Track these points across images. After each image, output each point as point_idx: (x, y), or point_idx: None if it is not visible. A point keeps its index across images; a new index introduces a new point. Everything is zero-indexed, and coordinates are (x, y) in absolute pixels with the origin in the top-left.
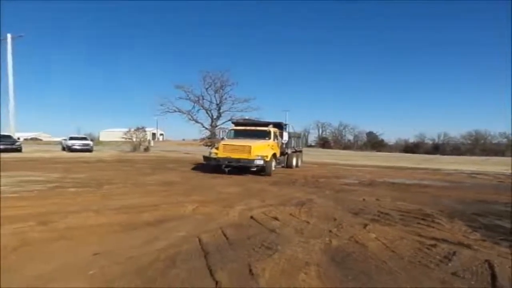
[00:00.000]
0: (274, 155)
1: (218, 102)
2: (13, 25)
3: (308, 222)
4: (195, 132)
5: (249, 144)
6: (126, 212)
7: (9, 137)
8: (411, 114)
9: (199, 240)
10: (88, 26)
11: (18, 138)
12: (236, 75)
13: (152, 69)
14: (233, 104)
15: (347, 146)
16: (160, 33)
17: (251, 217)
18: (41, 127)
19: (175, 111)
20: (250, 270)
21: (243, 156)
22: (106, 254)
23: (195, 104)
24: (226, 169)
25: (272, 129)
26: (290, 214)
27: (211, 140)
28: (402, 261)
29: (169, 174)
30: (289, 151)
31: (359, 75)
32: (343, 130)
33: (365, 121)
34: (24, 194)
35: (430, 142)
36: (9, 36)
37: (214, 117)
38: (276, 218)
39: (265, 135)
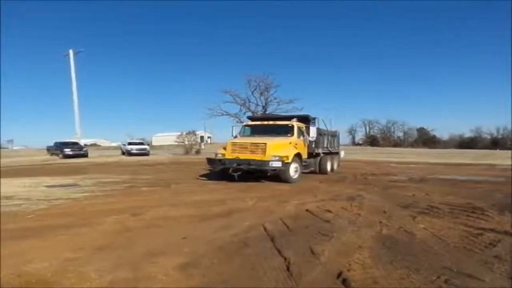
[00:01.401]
0: (297, 155)
1: (263, 104)
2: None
3: (359, 214)
4: None
5: (264, 142)
6: (198, 206)
7: (76, 144)
8: (465, 107)
9: (264, 228)
10: (139, 34)
11: (85, 145)
12: (280, 77)
13: (201, 75)
14: (278, 105)
15: (396, 144)
16: (207, 41)
17: (306, 210)
18: (99, 134)
19: (222, 114)
20: (312, 251)
21: (256, 156)
22: (191, 238)
23: (242, 107)
24: (235, 174)
25: (295, 124)
26: (342, 208)
27: None
28: (448, 246)
29: None
30: (320, 151)
31: (407, 68)
32: (392, 127)
33: (415, 117)
34: (109, 193)
35: (488, 137)
36: (71, 51)
37: None
38: (329, 211)
39: (286, 131)
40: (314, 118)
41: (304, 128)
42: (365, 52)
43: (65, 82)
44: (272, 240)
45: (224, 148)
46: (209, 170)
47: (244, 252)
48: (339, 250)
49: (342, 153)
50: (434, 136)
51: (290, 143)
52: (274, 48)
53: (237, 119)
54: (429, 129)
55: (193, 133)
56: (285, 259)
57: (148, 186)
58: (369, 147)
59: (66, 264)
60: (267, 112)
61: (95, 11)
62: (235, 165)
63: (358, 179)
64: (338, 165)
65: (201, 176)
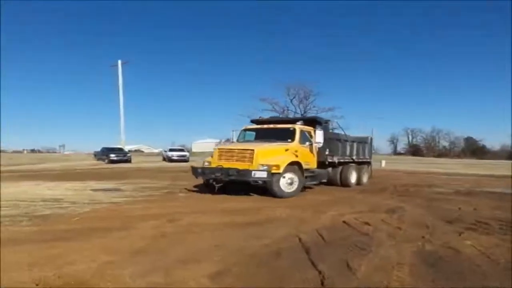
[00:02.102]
0: (296, 164)
1: (302, 112)
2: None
3: (399, 228)
4: None
5: (251, 148)
6: (232, 214)
7: (121, 149)
8: None
9: (299, 239)
10: (181, 41)
11: (129, 151)
12: (320, 85)
13: (240, 83)
14: (317, 113)
15: (441, 154)
16: (247, 48)
17: (343, 222)
18: (142, 140)
19: None
20: (348, 265)
21: (243, 165)
22: (223, 246)
23: (280, 115)
24: (216, 185)
25: (298, 127)
26: (381, 220)
27: None
28: (497, 266)
29: None
30: (335, 160)
31: (453, 74)
32: (436, 136)
33: (462, 126)
34: (148, 198)
35: None
36: (119, 62)
37: None
38: (367, 223)
39: (287, 135)
40: (326, 121)
41: (312, 132)
42: (409, 57)
43: (112, 90)
44: (307, 251)
45: (212, 156)
46: None
47: (276, 263)
48: (377, 266)
49: (383, 163)
50: (483, 146)
51: (287, 149)
52: (314, 55)
53: None
54: (477, 139)
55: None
56: (320, 272)
57: (185, 192)
58: (411, 157)
59: (104, 267)
60: None
61: (140, 22)
62: (213, 175)
63: (399, 191)
64: (370, 177)
65: None
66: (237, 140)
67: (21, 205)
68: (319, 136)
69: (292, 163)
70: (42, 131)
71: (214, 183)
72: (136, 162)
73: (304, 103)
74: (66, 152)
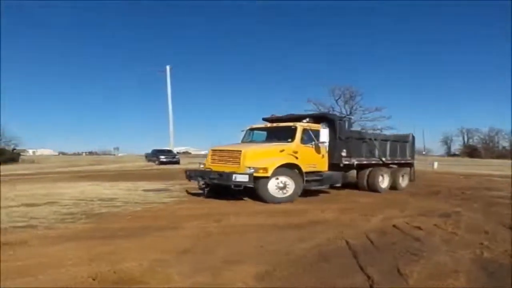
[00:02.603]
0: (292, 167)
1: (348, 112)
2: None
3: (455, 234)
4: None
5: (239, 149)
6: (278, 216)
7: (170, 151)
8: None
9: (346, 242)
10: (224, 44)
11: (177, 152)
12: (366, 85)
13: (285, 84)
14: (363, 113)
15: (501, 155)
16: (291, 49)
17: (394, 226)
18: (190, 142)
19: None
20: (398, 270)
21: (231, 167)
22: (269, 247)
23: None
24: (205, 190)
25: (299, 125)
26: (435, 225)
27: None
28: None
29: None
30: (353, 161)
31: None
32: (495, 136)
33: None
34: (195, 198)
35: None
36: (168, 67)
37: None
38: (419, 228)
39: (288, 134)
40: (341, 118)
41: (320, 131)
42: (463, 53)
43: (161, 95)
44: (355, 255)
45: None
46: None
47: (323, 266)
48: (430, 273)
49: (435, 164)
50: None
51: (283, 150)
52: (360, 54)
53: None
54: None
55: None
56: (368, 277)
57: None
58: (467, 158)
59: (154, 264)
60: (351, 122)
61: (186, 29)
62: (199, 178)
63: (454, 194)
64: (412, 180)
65: None
66: (242, 141)
67: (80, 204)
68: (323, 135)
69: (286, 165)
70: (99, 135)
71: (203, 186)
72: (184, 163)
73: (350, 104)
74: (120, 154)
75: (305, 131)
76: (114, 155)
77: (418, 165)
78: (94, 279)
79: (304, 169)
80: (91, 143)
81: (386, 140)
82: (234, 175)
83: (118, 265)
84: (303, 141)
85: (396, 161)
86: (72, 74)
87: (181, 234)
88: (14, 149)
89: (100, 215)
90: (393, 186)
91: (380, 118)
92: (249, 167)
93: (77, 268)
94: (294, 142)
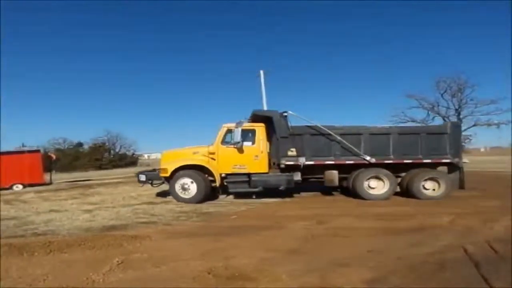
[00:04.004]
0: (198, 168)
1: (456, 107)
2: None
3: None
4: None
5: (164, 152)
6: (384, 219)
7: None
8: None
9: (465, 250)
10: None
11: None
12: (477, 75)
13: (383, 80)
14: (475, 107)
15: None
16: (388, 42)
17: None
18: None
19: (407, 121)
20: None
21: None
22: (377, 252)
23: (430, 112)
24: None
25: (225, 126)
26: None
27: None
28: None
29: None
30: (300, 161)
31: None
32: None
33: None
34: (296, 200)
35: None
36: (261, 72)
37: None
38: None
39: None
40: (281, 114)
41: (260, 131)
42: None
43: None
44: (476, 265)
45: None
46: None
47: (441, 276)
48: None
49: None
50: None
51: (196, 152)
52: (464, 42)
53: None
54: None
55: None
56: None
57: (330, 195)
58: None
59: (262, 263)
60: (460, 117)
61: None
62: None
63: None
64: (460, 187)
65: None
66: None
67: (191, 204)
68: (236, 135)
69: (193, 167)
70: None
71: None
72: None
73: (458, 97)
74: None
75: (228, 131)
76: None
77: None
78: (209, 273)
79: (222, 171)
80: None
81: (385, 134)
82: (140, 175)
83: (230, 262)
84: (224, 142)
85: (409, 161)
86: (183, 83)
87: (286, 234)
88: (133, 154)
89: (209, 214)
90: (412, 194)
91: (496, 112)
92: (160, 168)
93: (194, 262)
94: (215, 143)
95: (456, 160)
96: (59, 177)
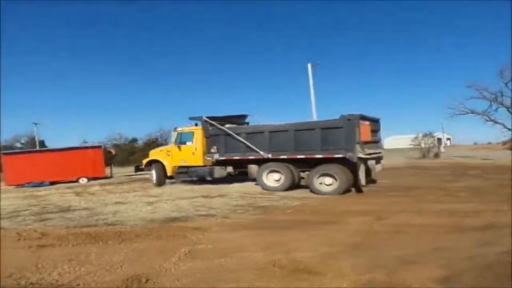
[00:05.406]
0: (156, 162)
1: None
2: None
3: None
4: (489, 134)
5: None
6: (447, 216)
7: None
8: None
9: None
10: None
11: None
12: None
13: (441, 69)
14: None
15: None
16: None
17: None
18: None
19: (466, 113)
20: None
21: None
22: (445, 250)
23: (492, 103)
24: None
25: (177, 129)
26: None
27: None
28: None
29: (474, 181)
30: (215, 157)
31: None
32: None
33: None
34: (352, 194)
35: None
36: (309, 65)
37: None
38: None
39: None
40: (206, 119)
41: (198, 133)
42: None
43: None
44: None
45: None
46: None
47: None
48: None
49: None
50: None
51: (162, 150)
52: None
53: (486, 117)
54: None
55: (431, 135)
56: None
57: (389, 190)
58: None
59: (325, 257)
60: None
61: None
62: None
63: None
64: (372, 180)
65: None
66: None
67: (246, 197)
68: (173, 137)
69: (154, 161)
70: None
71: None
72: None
73: None
74: None
75: (179, 134)
76: None
77: None
78: (274, 266)
79: (174, 164)
80: None
81: (283, 131)
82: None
83: (292, 255)
84: (175, 142)
85: (302, 156)
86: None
87: (346, 229)
88: None
89: (264, 208)
90: (311, 190)
91: None
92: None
93: (257, 254)
94: (171, 143)
95: (349, 154)
96: (117, 171)
